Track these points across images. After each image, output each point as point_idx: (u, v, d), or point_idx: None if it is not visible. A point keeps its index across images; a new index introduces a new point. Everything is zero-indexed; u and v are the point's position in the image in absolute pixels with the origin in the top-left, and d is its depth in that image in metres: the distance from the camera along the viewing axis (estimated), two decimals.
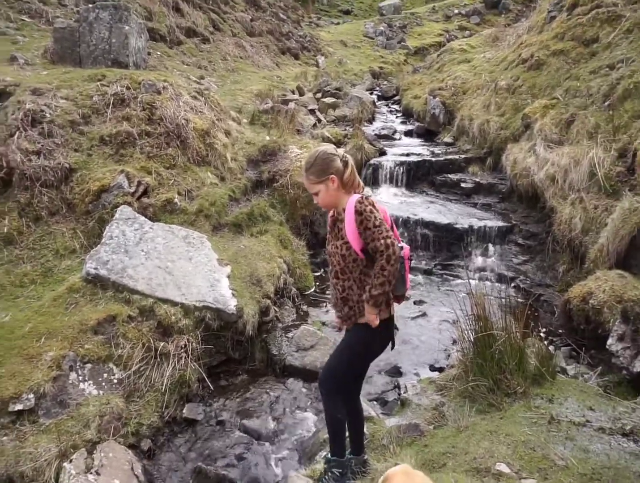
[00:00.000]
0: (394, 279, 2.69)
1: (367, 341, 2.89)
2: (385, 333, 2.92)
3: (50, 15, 10.77)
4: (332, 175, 2.75)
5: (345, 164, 2.81)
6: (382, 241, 2.63)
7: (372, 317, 2.77)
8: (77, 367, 3.83)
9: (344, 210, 2.78)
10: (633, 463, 2.83)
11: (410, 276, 4.95)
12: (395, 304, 2.97)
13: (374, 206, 2.72)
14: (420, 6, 32.20)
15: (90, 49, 8.18)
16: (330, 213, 2.96)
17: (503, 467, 2.87)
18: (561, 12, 9.65)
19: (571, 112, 7.11)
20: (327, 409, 3.00)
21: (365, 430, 3.60)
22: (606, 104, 6.67)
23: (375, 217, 2.67)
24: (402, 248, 2.79)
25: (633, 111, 6.06)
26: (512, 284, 6.37)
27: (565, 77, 8.22)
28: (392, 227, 2.88)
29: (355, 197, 2.74)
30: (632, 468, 2.78)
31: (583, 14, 8.82)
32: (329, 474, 3.02)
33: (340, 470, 3.01)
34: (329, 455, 3.11)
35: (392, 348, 3.03)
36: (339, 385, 2.93)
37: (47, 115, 5.94)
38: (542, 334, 5.30)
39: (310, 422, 4.25)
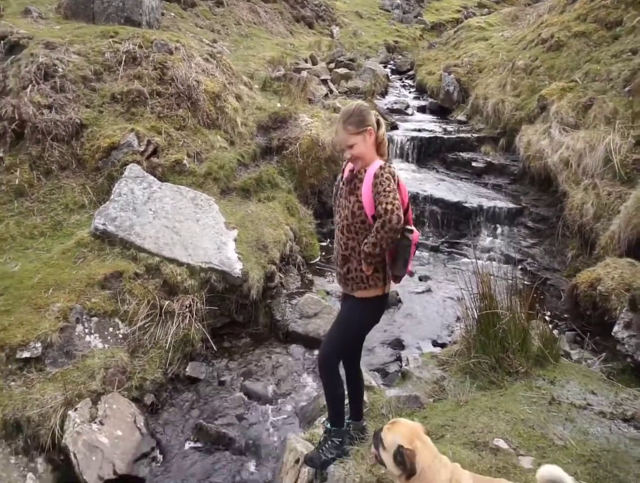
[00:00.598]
0: (386, 246, 2.65)
1: (362, 317, 2.88)
2: (379, 309, 2.92)
3: None
4: (370, 127, 2.73)
5: (379, 123, 2.79)
6: (384, 205, 2.59)
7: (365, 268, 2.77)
8: (84, 319, 3.87)
9: (365, 171, 2.75)
10: (633, 448, 2.85)
11: (416, 252, 4.83)
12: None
13: (392, 176, 2.69)
14: None
15: (103, 6, 8.04)
16: (350, 166, 2.89)
17: (501, 443, 2.90)
18: None
19: (589, 95, 6.97)
20: (325, 384, 3.01)
21: (365, 398, 3.65)
22: (626, 89, 6.54)
23: (388, 185, 2.64)
24: (412, 231, 2.74)
25: None
26: (519, 266, 6.36)
27: (586, 60, 8.04)
28: (406, 210, 2.81)
29: (379, 163, 2.74)
30: (631, 453, 2.80)
31: None
32: (329, 443, 3.04)
33: (340, 439, 3.03)
34: (328, 425, 3.11)
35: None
36: (338, 357, 2.95)
37: (60, 69, 5.87)
38: (547, 317, 5.30)
39: (310, 388, 4.30)
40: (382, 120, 2.86)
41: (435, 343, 4.88)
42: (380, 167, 2.69)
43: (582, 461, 2.73)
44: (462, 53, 12.23)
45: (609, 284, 4.48)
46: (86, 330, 3.84)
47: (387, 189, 2.62)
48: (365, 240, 2.70)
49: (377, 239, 2.63)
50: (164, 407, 3.93)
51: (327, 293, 5.66)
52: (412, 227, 2.78)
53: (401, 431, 2.06)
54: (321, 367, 3.00)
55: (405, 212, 2.77)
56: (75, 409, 3.29)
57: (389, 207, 2.58)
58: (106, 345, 3.88)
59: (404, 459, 1.97)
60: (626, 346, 4.02)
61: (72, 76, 5.88)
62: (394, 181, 2.68)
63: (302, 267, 5.98)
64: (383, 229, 2.60)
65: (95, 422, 3.26)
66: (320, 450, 3.03)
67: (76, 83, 5.88)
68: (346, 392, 3.07)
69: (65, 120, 5.45)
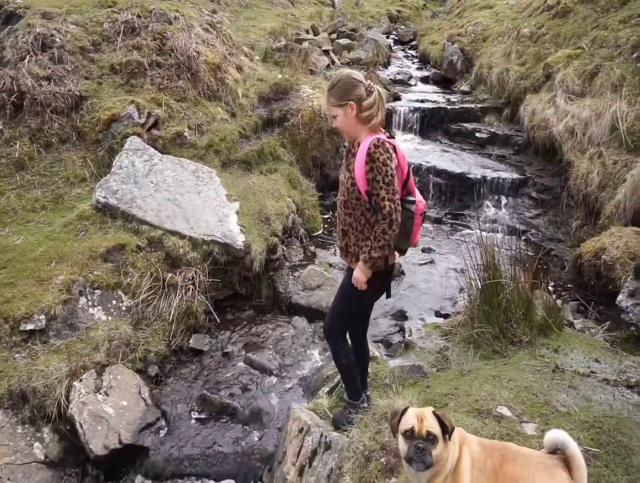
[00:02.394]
0: (394, 242, 2.60)
1: (372, 288, 2.76)
2: (380, 283, 2.80)
3: None
4: (351, 102, 2.55)
5: (370, 93, 2.59)
6: (388, 204, 2.48)
7: (361, 279, 2.64)
8: (87, 292, 3.87)
9: (359, 144, 2.60)
10: (636, 414, 2.86)
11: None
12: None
13: (390, 154, 2.52)
14: None
15: None
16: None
17: (505, 410, 2.91)
18: None
19: (596, 63, 6.82)
20: (335, 356, 3.02)
21: (368, 369, 3.67)
22: (634, 55, 6.38)
23: (386, 171, 2.48)
24: (414, 202, 2.66)
25: None
26: (523, 237, 6.32)
27: (593, 26, 7.84)
28: (407, 176, 2.72)
29: (371, 139, 2.54)
30: (634, 419, 2.81)
31: None
32: (344, 413, 3.07)
33: (354, 412, 3.05)
34: (346, 397, 3.14)
35: (388, 296, 2.94)
36: (341, 328, 2.93)
37: (57, 40, 5.76)
38: (550, 287, 5.29)
39: (314, 359, 4.33)
40: (380, 91, 2.65)
41: (438, 314, 4.88)
42: (375, 145, 2.50)
43: (585, 427, 2.74)
44: (466, 22, 11.96)
45: (613, 253, 4.45)
46: (89, 303, 3.84)
47: (385, 180, 2.48)
48: (371, 245, 2.56)
49: (387, 239, 2.53)
50: (168, 379, 3.97)
51: (330, 265, 5.65)
52: (415, 198, 2.69)
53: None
54: (326, 336, 3.03)
55: (406, 181, 2.69)
56: (81, 380, 3.32)
57: (393, 206, 2.49)
58: (110, 318, 3.89)
59: (443, 420, 1.93)
60: (630, 314, 4.01)
61: (70, 47, 5.77)
62: (391, 158, 2.52)
63: (304, 240, 5.96)
64: (391, 228, 2.51)
65: (100, 393, 3.29)
66: (336, 421, 3.09)
67: (74, 54, 5.77)
68: None
69: (65, 92, 5.37)
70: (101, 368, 3.50)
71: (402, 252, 2.85)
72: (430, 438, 1.90)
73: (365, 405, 3.11)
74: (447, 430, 1.92)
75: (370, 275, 2.65)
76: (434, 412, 1.97)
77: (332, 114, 2.67)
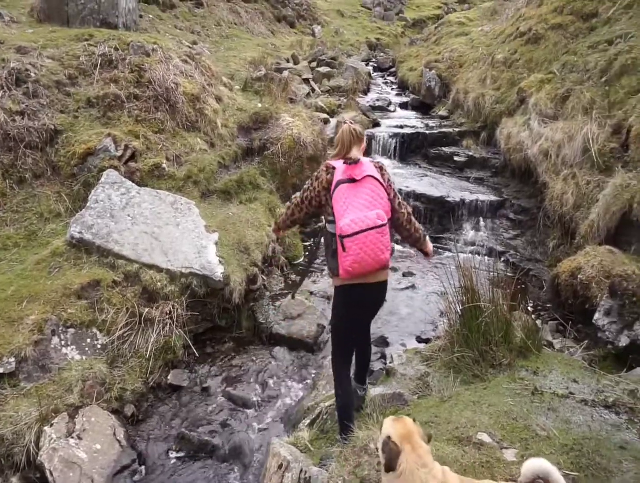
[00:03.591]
0: (280, 222, 3.33)
1: (334, 304, 3.14)
2: (343, 298, 3.05)
3: None
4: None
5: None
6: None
7: None
8: (60, 331, 3.78)
9: None
10: (614, 434, 2.85)
11: (399, 247, 5.01)
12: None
13: (316, 178, 3.01)
14: None
15: (78, 8, 7.90)
16: None
17: (485, 437, 2.88)
18: None
19: (567, 87, 6.99)
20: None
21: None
22: (603, 79, 6.56)
23: (306, 185, 3.10)
24: (332, 222, 2.91)
25: (629, 87, 5.97)
26: (502, 258, 6.37)
27: (563, 52, 8.08)
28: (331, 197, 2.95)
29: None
30: (612, 440, 2.80)
31: None
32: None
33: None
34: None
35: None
36: (335, 349, 3.21)
37: (32, 74, 5.75)
38: (529, 308, 5.31)
39: (294, 390, 4.26)
40: (345, 128, 3.04)
41: (419, 339, 4.86)
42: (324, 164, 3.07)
43: (564, 450, 2.72)
44: (443, 48, 12.24)
45: (589, 272, 4.49)
46: (62, 342, 3.75)
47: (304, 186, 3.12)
48: None
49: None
50: (145, 417, 3.86)
51: (311, 293, 5.62)
52: (335, 219, 2.86)
53: (397, 427, 2.06)
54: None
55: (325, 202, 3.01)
56: (51, 424, 3.21)
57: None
58: (84, 357, 3.79)
59: (386, 451, 1.98)
60: (607, 332, 4.04)
61: (45, 81, 5.76)
62: (316, 178, 3.01)
63: (285, 268, 5.94)
64: None
65: (72, 437, 3.18)
66: None
67: (50, 88, 5.76)
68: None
69: (39, 127, 5.34)
70: (74, 411, 3.39)
71: (331, 272, 3.03)
72: None
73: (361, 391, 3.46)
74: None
75: (335, 285, 3.05)
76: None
77: None
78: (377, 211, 2.82)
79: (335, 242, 2.86)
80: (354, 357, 3.32)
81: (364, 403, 3.44)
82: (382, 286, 3.08)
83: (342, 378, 3.14)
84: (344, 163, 2.92)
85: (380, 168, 3.04)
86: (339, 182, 2.86)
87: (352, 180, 2.86)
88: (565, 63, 7.62)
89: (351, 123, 3.05)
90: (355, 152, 2.98)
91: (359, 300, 3.01)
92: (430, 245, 3.38)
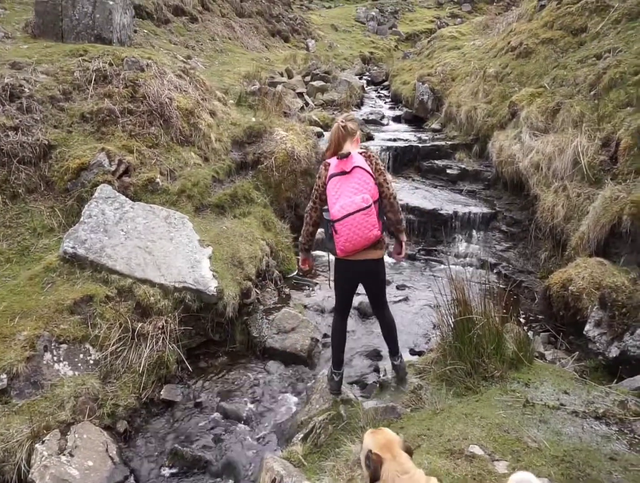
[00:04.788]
0: (304, 234, 3.73)
1: (334, 271, 3.68)
2: (339, 268, 3.64)
3: None
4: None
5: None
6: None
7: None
8: (52, 347, 3.77)
9: None
10: (604, 445, 2.87)
11: (390, 260, 5.12)
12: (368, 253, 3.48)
13: (319, 177, 3.51)
14: None
15: (72, 24, 7.95)
16: None
17: (476, 449, 2.89)
18: (551, 1, 9.59)
19: (557, 100, 7.09)
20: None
21: (342, 412, 3.62)
22: (592, 93, 6.66)
23: (314, 186, 3.58)
24: (326, 210, 3.47)
25: (618, 100, 6.06)
26: (495, 270, 6.40)
27: (553, 66, 8.20)
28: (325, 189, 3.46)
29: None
30: (602, 451, 2.82)
31: (572, 3, 8.78)
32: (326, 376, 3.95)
33: (329, 377, 3.88)
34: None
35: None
36: (336, 306, 3.88)
37: (26, 90, 5.78)
38: (521, 320, 5.34)
39: (289, 405, 4.25)
40: (335, 127, 3.51)
41: (412, 352, 4.87)
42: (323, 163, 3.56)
43: (555, 462, 2.74)
44: (436, 62, 12.39)
45: (579, 284, 4.53)
46: (55, 358, 3.74)
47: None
48: None
49: (302, 232, 3.80)
50: (138, 433, 3.83)
51: (305, 306, 5.62)
52: (331, 209, 3.36)
53: (377, 438, 2.11)
54: None
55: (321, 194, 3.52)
56: (43, 442, 3.19)
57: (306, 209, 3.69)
58: (76, 373, 3.78)
59: (370, 463, 2.02)
60: (597, 344, 4.06)
61: (39, 96, 5.79)
62: (319, 180, 3.51)
63: (279, 282, 5.94)
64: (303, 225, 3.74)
65: (64, 454, 3.16)
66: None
67: (44, 103, 5.78)
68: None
69: (32, 142, 5.36)
70: (66, 428, 3.37)
71: (331, 252, 3.56)
72: None
73: (396, 361, 3.95)
74: None
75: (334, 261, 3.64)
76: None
77: None
78: (363, 195, 3.26)
79: (330, 227, 3.34)
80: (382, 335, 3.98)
81: (403, 371, 3.93)
82: (372, 263, 3.54)
83: (336, 322, 3.86)
84: (336, 158, 3.40)
85: (369, 156, 3.46)
86: (332, 176, 3.36)
87: (343, 173, 3.34)
88: (555, 77, 7.74)
89: (342, 122, 3.49)
90: (347, 147, 3.45)
91: (349, 271, 3.59)
92: (404, 238, 3.71)
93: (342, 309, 3.85)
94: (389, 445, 2.06)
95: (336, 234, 3.31)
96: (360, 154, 3.45)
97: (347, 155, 3.36)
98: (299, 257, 4.06)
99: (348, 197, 3.27)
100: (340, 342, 3.86)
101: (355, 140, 3.52)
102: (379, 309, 3.86)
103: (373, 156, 3.49)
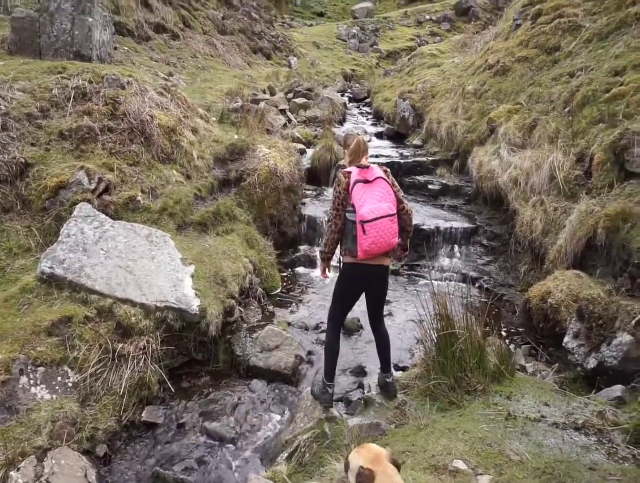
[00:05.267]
0: (329, 243, 3.72)
1: (342, 275, 3.77)
2: (346, 274, 3.74)
3: (9, 3, 10.38)
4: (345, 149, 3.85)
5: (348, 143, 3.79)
6: (328, 215, 3.76)
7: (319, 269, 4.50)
8: (29, 370, 3.68)
9: None
10: (584, 456, 2.91)
11: None
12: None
13: (339, 184, 3.57)
14: (393, 11, 32.56)
15: (51, 40, 7.88)
16: None
17: (460, 464, 2.90)
18: (526, 21, 9.88)
19: (534, 117, 7.27)
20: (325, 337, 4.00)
21: (327, 430, 3.60)
22: (566, 110, 6.84)
23: (334, 194, 3.62)
24: (352, 212, 3.49)
25: (591, 117, 6.23)
26: (476, 284, 6.46)
27: (529, 83, 8.41)
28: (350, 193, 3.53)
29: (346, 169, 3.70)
30: (582, 461, 2.85)
31: (546, 23, 9.06)
32: (318, 386, 3.99)
33: (321, 390, 3.91)
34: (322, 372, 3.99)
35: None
36: (332, 314, 3.89)
37: (2, 107, 5.70)
38: (503, 333, 5.38)
39: (272, 424, 4.20)
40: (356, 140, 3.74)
41: (397, 367, 4.86)
42: (342, 174, 3.61)
43: (537, 474, 2.76)
44: (416, 79, 12.61)
45: (558, 296, 4.60)
46: (31, 382, 3.65)
47: (332, 198, 3.65)
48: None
49: (325, 239, 3.77)
50: (118, 457, 3.75)
51: (289, 324, 5.60)
52: (354, 209, 3.47)
53: (365, 454, 2.11)
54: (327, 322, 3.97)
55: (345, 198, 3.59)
56: (18, 469, 3.09)
57: (328, 216, 3.73)
58: (54, 396, 3.69)
59: (363, 479, 2.00)
60: (576, 355, 4.12)
61: (15, 113, 5.70)
62: (341, 187, 3.56)
63: (262, 299, 5.91)
64: (327, 233, 3.74)
65: (40, 481, 3.07)
66: (314, 388, 4.05)
67: (20, 121, 5.70)
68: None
69: (9, 160, 5.26)
70: (42, 453, 3.27)
71: (349, 253, 3.62)
72: None
73: (388, 378, 3.95)
74: None
75: (343, 265, 3.73)
76: None
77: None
78: (388, 203, 3.47)
79: (356, 228, 3.44)
80: (376, 351, 4.06)
81: (394, 389, 3.93)
82: (384, 269, 3.69)
83: (331, 331, 3.89)
84: (357, 168, 3.57)
85: (386, 171, 3.70)
86: (356, 181, 3.49)
87: (366, 181, 3.49)
88: (531, 94, 7.93)
89: (362, 137, 3.78)
90: (364, 160, 3.69)
91: (364, 275, 3.65)
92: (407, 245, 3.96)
93: (341, 318, 3.93)
94: (378, 459, 2.07)
95: (364, 235, 3.40)
96: (378, 167, 3.71)
97: (368, 166, 3.59)
98: (320, 267, 4.09)
99: (373, 203, 3.42)
100: (335, 353, 3.89)
101: (366, 156, 3.76)
102: (377, 322, 3.94)
103: (388, 171, 3.72)
